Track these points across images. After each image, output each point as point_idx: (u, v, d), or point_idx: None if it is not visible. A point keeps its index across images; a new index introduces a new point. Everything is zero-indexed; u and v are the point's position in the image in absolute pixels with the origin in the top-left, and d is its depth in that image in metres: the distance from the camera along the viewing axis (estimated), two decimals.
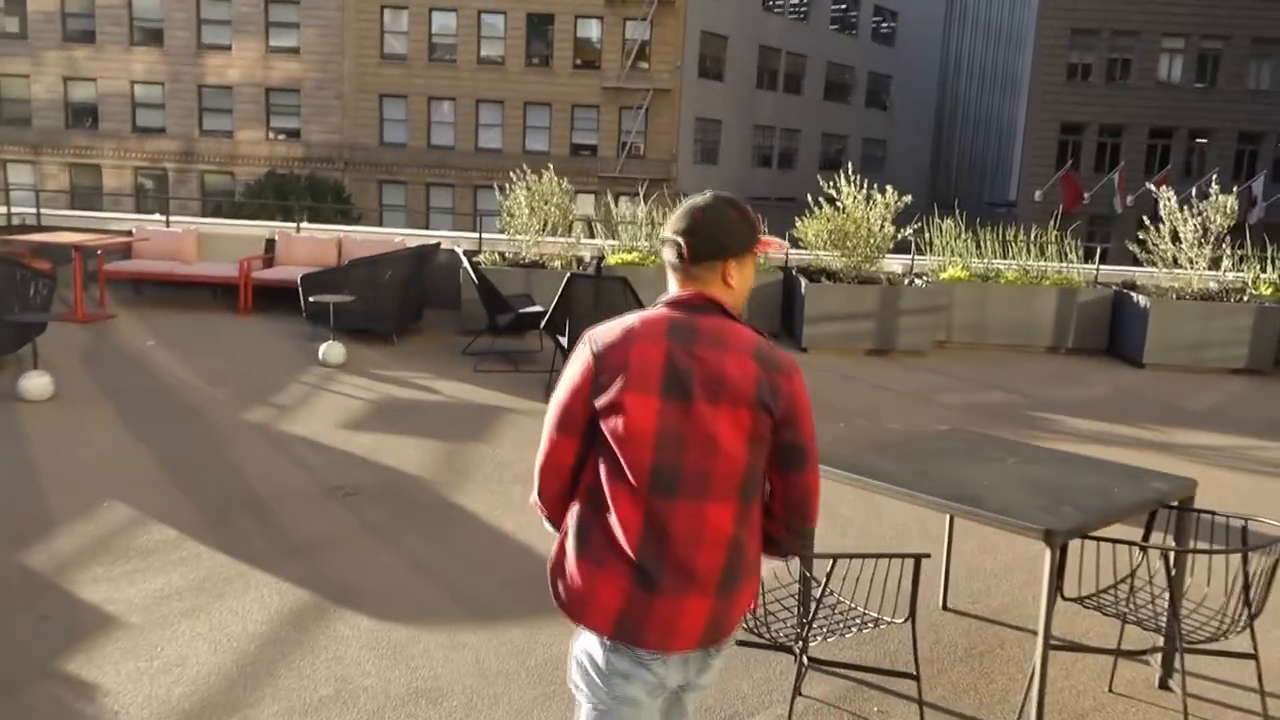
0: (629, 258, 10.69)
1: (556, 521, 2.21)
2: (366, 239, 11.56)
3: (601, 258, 10.82)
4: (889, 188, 10.47)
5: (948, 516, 4.36)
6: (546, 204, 10.49)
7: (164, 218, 12.25)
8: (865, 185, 10.46)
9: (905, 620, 3.10)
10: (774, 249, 2.24)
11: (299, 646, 3.84)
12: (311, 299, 9.11)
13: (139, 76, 38.02)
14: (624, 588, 2.05)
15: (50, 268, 9.70)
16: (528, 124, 37.50)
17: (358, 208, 34.01)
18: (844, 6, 45.04)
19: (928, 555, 3.01)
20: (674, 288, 2.17)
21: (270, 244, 11.31)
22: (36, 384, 6.93)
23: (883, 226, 10.41)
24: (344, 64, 37.43)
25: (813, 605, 3.09)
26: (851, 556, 2.94)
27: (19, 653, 3.75)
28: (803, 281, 10.30)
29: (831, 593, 3.26)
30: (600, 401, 2.06)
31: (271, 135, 38.15)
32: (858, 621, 3.17)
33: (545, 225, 10.62)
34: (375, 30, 37.37)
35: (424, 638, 3.96)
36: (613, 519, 2.07)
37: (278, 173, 35.30)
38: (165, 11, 37.53)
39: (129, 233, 11.26)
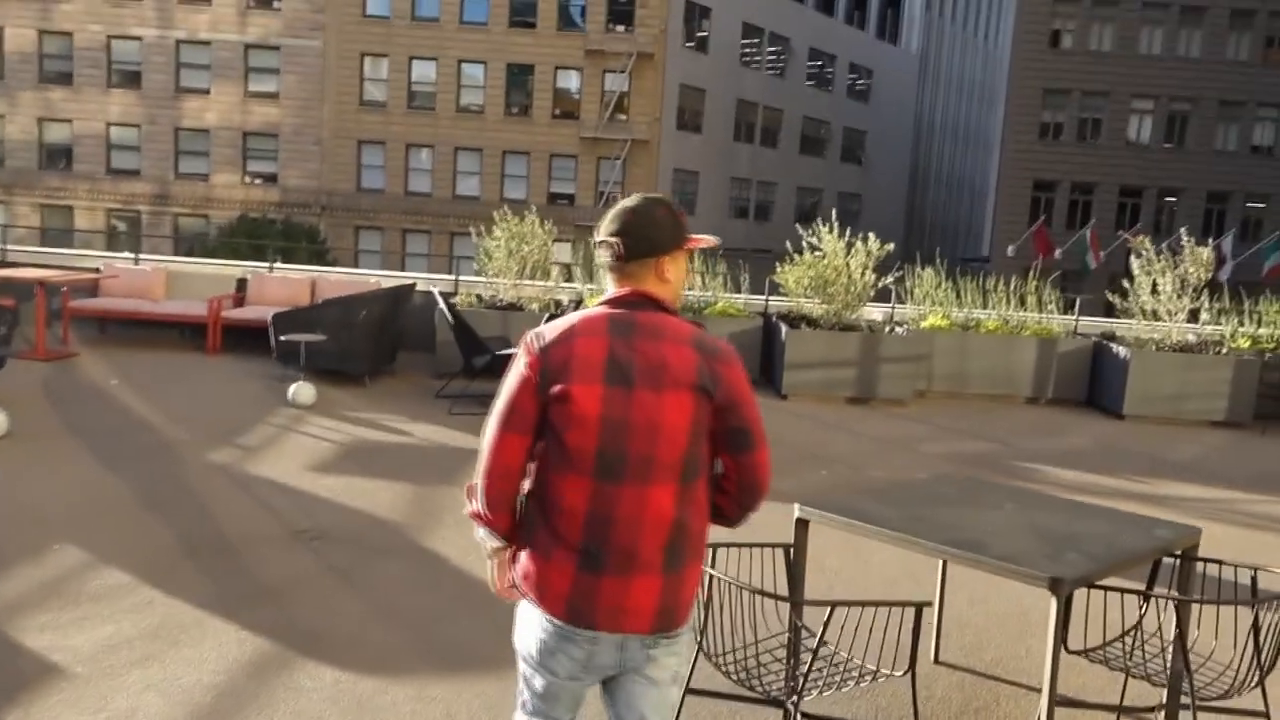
0: None
1: (499, 529, 2.24)
2: (341, 280, 11.38)
3: (580, 301, 10.69)
4: (870, 235, 10.45)
5: (940, 566, 4.20)
6: (526, 245, 10.38)
7: (134, 256, 12.01)
8: (846, 233, 10.42)
9: (905, 673, 2.92)
10: (705, 244, 2.31)
11: (256, 699, 3.60)
12: (282, 338, 8.90)
13: (115, 118, 37.86)
14: (570, 572, 2.13)
15: (13, 304, 9.44)
16: (506, 172, 37.65)
17: (333, 251, 33.81)
18: (820, 64, 45.77)
19: (929, 604, 2.84)
20: (611, 288, 2.25)
21: (242, 283, 11.08)
22: None
23: (863, 274, 10.37)
24: (323, 110, 37.48)
25: (808, 657, 2.91)
26: (849, 604, 2.77)
27: None
28: (783, 328, 10.21)
29: (825, 643, 3.08)
30: (547, 394, 2.13)
31: (248, 179, 38.01)
32: (855, 674, 2.98)
33: (525, 267, 10.49)
34: (355, 77, 37.52)
35: (391, 689, 3.72)
36: (557, 511, 2.14)
37: (250, 216, 35.05)
38: (144, 55, 37.52)
39: (96, 270, 11.02)
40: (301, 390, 8.34)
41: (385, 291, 10.06)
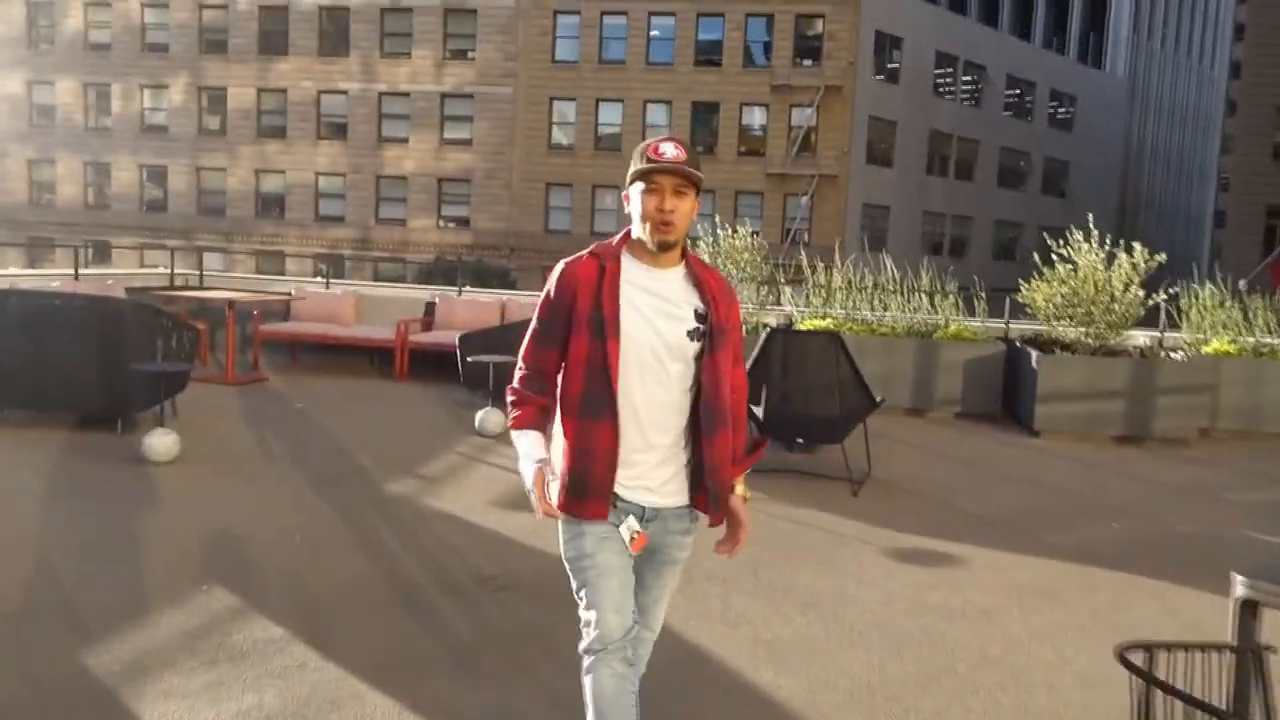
0: (821, 324, 9.35)
1: None
2: (532, 302, 10.67)
3: (791, 322, 9.52)
4: (1136, 245, 8.83)
5: None
6: (734, 262, 9.35)
7: (324, 280, 11.72)
8: (1109, 243, 8.83)
9: None
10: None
11: None
12: (470, 359, 8.15)
13: (323, 169, 39.79)
14: None
15: (204, 327, 9.15)
16: None
17: (521, 284, 34.04)
18: (1018, 91, 43.18)
19: None
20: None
21: (430, 307, 10.52)
22: (161, 443, 6.10)
23: (1127, 290, 8.73)
24: (513, 154, 38.09)
25: None
26: None
27: None
28: (1033, 353, 8.68)
29: None
30: None
31: (441, 223, 39.05)
32: None
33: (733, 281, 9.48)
34: (544, 122, 37.98)
35: None
36: None
37: (446, 259, 35.81)
38: (349, 108, 39.33)
39: (288, 294, 10.74)
40: (489, 417, 7.52)
41: None
